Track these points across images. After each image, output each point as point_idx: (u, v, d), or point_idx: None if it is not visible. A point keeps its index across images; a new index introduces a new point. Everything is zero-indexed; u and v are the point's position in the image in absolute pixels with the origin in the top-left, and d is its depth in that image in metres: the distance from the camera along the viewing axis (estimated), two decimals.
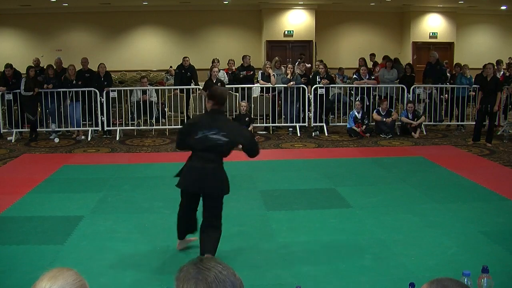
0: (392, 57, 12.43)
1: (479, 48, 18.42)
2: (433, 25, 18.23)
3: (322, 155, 8.59)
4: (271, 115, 10.63)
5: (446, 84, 11.30)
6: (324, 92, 10.43)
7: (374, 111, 10.49)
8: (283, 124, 10.68)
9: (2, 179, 6.94)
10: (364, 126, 10.23)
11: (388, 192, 6.23)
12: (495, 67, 10.99)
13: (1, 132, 10.11)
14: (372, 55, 14.38)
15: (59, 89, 9.89)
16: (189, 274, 1.36)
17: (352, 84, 11.08)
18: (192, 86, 10.99)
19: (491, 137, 9.24)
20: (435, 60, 11.31)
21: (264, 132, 10.66)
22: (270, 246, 4.56)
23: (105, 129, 10.19)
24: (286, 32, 17.51)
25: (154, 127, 10.52)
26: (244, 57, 11.48)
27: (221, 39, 17.74)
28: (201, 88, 10.31)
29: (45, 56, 14.06)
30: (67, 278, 1.38)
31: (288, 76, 10.49)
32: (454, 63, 13.83)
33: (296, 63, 13.43)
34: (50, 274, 1.39)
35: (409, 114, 10.32)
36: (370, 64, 13.39)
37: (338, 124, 10.95)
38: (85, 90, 10.01)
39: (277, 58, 11.35)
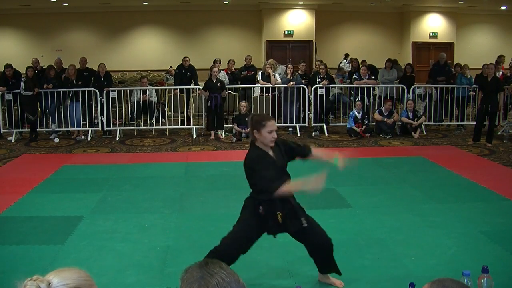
0: (393, 57, 12.43)
1: (479, 48, 18.41)
2: (433, 25, 18.23)
3: None
4: (271, 115, 10.61)
5: (445, 84, 11.30)
6: (324, 92, 10.43)
7: (376, 111, 10.48)
8: (283, 124, 10.68)
9: (2, 179, 6.94)
10: (364, 126, 10.23)
11: (388, 192, 6.23)
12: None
13: (1, 132, 10.11)
14: (364, 62, 14.36)
15: (59, 89, 9.89)
16: (192, 277, 1.35)
17: (352, 84, 11.08)
18: (192, 86, 11.00)
19: (491, 137, 9.24)
20: (444, 61, 11.35)
21: None
22: (270, 246, 4.56)
23: (105, 129, 10.19)
24: (286, 32, 17.50)
25: (154, 127, 10.52)
26: (245, 57, 11.53)
27: (221, 39, 17.74)
28: (201, 88, 10.32)
29: (45, 56, 14.07)
30: (73, 274, 1.40)
31: (288, 76, 10.49)
32: (454, 63, 13.84)
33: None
34: (59, 269, 1.41)
35: (409, 112, 10.33)
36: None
37: (338, 124, 10.95)
38: (85, 90, 10.02)
39: (271, 60, 11.45)
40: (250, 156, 3.67)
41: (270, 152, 3.64)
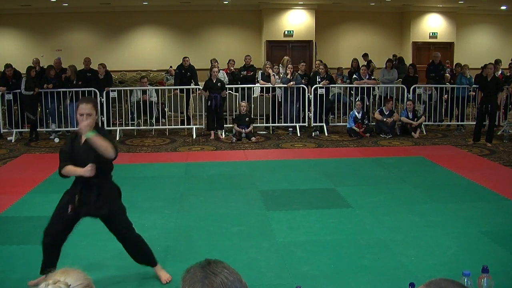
0: (393, 57, 12.43)
1: (479, 48, 18.42)
2: (433, 25, 18.23)
3: (322, 155, 8.59)
4: (271, 115, 10.63)
5: (445, 84, 11.32)
6: (324, 92, 10.43)
7: (377, 111, 10.48)
8: (283, 124, 10.68)
9: (2, 179, 6.94)
10: (364, 126, 10.23)
11: (388, 192, 6.23)
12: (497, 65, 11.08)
13: (1, 132, 10.11)
14: (365, 55, 14.36)
15: (59, 89, 9.89)
16: (195, 277, 1.34)
17: (352, 84, 11.09)
18: (192, 86, 11.00)
19: (491, 137, 9.24)
20: (438, 60, 11.39)
21: (264, 132, 10.66)
22: (270, 246, 4.56)
23: (105, 129, 10.18)
24: (286, 32, 17.50)
25: (154, 127, 10.52)
26: (245, 57, 11.54)
27: (221, 39, 17.74)
28: (201, 88, 10.32)
29: (45, 56, 14.06)
30: (78, 274, 1.44)
31: (288, 76, 10.50)
32: (454, 63, 13.84)
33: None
34: (61, 270, 1.44)
35: (408, 113, 10.33)
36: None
37: (338, 124, 10.96)
38: (85, 90, 10.02)
39: (286, 57, 11.49)
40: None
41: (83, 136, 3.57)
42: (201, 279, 1.32)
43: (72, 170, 3.60)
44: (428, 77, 11.39)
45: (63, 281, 1.37)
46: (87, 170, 3.51)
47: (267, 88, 10.71)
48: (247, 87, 10.87)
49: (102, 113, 10.09)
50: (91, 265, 4.09)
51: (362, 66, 11.69)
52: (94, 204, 3.65)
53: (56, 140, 9.79)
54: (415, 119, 10.31)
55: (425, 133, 10.47)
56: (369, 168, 7.50)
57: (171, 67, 14.25)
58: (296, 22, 17.52)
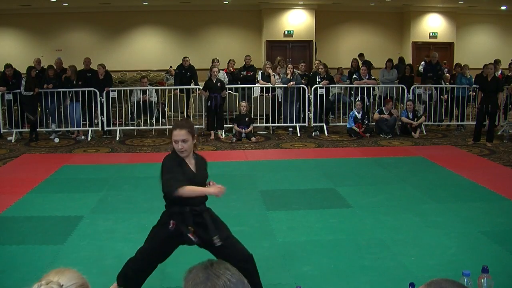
0: (392, 57, 12.42)
1: (479, 48, 18.42)
2: (433, 25, 18.24)
3: (322, 155, 8.60)
4: (271, 115, 10.63)
5: (445, 84, 11.32)
6: (324, 92, 10.43)
7: (376, 111, 10.48)
8: (283, 124, 10.68)
9: (2, 179, 6.94)
10: (364, 126, 10.23)
11: (388, 192, 6.23)
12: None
13: (1, 132, 10.11)
14: (361, 55, 14.35)
15: (59, 89, 9.90)
16: (198, 278, 1.33)
17: (352, 84, 11.08)
18: (192, 86, 11.00)
19: (491, 137, 9.24)
20: (436, 60, 11.38)
21: (264, 132, 10.66)
22: (270, 246, 4.56)
23: (105, 129, 10.19)
24: (286, 32, 17.51)
25: (154, 127, 10.52)
26: (245, 58, 11.55)
27: (221, 39, 17.74)
28: (201, 88, 10.32)
29: (45, 56, 14.05)
30: (73, 274, 1.44)
31: (288, 76, 10.50)
32: (454, 63, 13.81)
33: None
34: (55, 270, 1.44)
35: (409, 113, 10.33)
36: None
37: (338, 124, 10.96)
38: (85, 90, 10.02)
39: (279, 57, 11.46)
40: (166, 157, 3.32)
41: (188, 161, 3.31)
42: (204, 280, 1.31)
43: (198, 190, 3.20)
44: (425, 76, 11.39)
45: (55, 281, 1.36)
46: (220, 190, 3.18)
47: (267, 88, 10.71)
48: (247, 87, 10.87)
49: (102, 113, 10.09)
50: (91, 265, 4.09)
51: (362, 66, 11.69)
52: (209, 235, 3.31)
53: (56, 140, 9.79)
54: (415, 119, 10.31)
55: (425, 133, 10.47)
56: (369, 168, 7.50)
57: (171, 67, 14.26)
58: (296, 22, 17.52)
